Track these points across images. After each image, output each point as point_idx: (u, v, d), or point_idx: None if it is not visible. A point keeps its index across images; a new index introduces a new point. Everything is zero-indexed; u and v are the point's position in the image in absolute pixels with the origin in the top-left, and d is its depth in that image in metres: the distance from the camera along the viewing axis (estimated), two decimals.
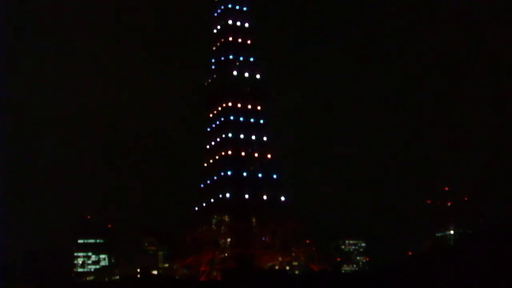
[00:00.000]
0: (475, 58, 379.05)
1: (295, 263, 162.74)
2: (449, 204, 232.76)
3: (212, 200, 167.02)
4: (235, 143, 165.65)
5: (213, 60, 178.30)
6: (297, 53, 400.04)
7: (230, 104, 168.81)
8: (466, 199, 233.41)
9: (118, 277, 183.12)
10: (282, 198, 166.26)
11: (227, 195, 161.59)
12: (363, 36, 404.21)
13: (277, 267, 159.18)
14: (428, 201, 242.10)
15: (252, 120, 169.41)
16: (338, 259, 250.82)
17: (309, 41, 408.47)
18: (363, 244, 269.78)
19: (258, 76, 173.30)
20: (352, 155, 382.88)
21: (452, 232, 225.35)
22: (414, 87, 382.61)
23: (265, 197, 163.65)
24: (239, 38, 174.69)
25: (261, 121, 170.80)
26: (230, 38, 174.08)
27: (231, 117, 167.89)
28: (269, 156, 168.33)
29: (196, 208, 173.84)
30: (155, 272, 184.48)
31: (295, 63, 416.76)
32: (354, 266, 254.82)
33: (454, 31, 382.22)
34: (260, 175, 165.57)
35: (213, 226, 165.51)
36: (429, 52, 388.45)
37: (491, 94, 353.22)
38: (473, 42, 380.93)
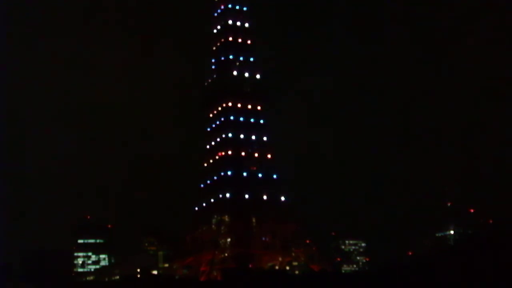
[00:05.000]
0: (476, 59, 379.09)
1: (295, 263, 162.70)
2: (449, 204, 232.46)
3: (212, 200, 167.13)
4: (235, 143, 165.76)
5: (213, 60, 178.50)
6: (297, 53, 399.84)
7: (230, 104, 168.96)
8: (466, 199, 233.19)
9: (118, 277, 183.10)
10: (282, 198, 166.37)
11: (227, 195, 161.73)
12: (364, 33, 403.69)
13: (277, 267, 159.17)
14: (428, 201, 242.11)
15: (252, 120, 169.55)
16: (338, 259, 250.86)
17: (310, 40, 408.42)
18: (363, 244, 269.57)
19: (258, 76, 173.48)
20: (353, 155, 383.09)
21: (452, 232, 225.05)
22: (414, 86, 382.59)
23: (265, 197, 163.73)
24: (239, 38, 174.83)
25: (261, 121, 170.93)
26: (230, 38, 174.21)
27: (231, 117, 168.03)
28: (269, 156, 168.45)
29: (196, 208, 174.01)
30: (155, 272, 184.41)
31: (295, 63, 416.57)
32: (354, 266, 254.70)
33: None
34: (260, 175, 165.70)
35: (213, 226, 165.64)
36: (429, 50, 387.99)
37: (491, 93, 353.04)
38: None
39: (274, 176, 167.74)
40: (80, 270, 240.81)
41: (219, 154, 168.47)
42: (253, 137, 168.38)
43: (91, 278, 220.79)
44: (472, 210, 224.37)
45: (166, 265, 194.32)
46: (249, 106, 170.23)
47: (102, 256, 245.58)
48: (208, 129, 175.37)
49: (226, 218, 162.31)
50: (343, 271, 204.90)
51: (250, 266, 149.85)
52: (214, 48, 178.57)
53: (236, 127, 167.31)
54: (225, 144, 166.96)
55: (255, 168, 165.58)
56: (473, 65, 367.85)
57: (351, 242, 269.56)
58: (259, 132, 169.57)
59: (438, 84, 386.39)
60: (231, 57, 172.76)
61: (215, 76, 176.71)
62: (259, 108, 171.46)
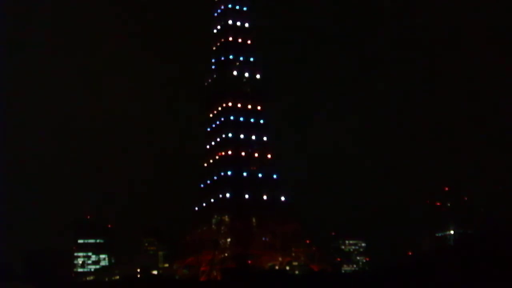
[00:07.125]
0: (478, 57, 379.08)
1: (295, 263, 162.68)
2: (449, 204, 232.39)
3: (212, 200, 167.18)
4: (235, 143, 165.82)
5: (213, 60, 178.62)
6: (297, 53, 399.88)
7: (230, 104, 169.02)
8: (466, 199, 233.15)
9: (118, 277, 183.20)
10: (282, 198, 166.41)
11: (227, 195, 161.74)
12: (364, 34, 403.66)
13: (277, 267, 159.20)
14: (428, 201, 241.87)
15: (252, 120, 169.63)
16: (338, 259, 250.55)
17: (310, 40, 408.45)
18: (363, 244, 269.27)
19: (258, 76, 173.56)
20: (353, 155, 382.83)
21: (452, 232, 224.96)
22: (415, 87, 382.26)
23: (265, 197, 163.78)
24: (239, 38, 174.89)
25: (261, 121, 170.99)
26: (230, 38, 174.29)
27: (231, 117, 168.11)
28: (269, 156, 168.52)
29: (196, 208, 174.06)
30: (155, 272, 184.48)
31: (296, 62, 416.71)
32: (354, 266, 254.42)
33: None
34: (260, 175, 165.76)
35: (213, 226, 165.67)
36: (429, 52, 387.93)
37: (491, 93, 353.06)
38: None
39: (274, 176, 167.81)
40: (80, 270, 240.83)
41: (219, 154, 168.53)
42: (253, 137, 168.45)
43: (91, 278, 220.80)
44: (472, 210, 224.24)
45: (166, 265, 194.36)
46: (249, 106, 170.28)
47: (102, 256, 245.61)
48: (208, 129, 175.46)
49: (226, 218, 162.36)
50: (343, 271, 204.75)
51: (250, 266, 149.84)
52: (214, 48, 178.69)
53: (236, 127, 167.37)
54: (225, 144, 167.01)
55: (255, 168, 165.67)
56: (473, 64, 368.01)
57: (351, 242, 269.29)
58: (259, 132, 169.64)
59: (438, 84, 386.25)
60: (231, 57, 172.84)
61: (215, 76, 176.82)
62: (259, 108, 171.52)
